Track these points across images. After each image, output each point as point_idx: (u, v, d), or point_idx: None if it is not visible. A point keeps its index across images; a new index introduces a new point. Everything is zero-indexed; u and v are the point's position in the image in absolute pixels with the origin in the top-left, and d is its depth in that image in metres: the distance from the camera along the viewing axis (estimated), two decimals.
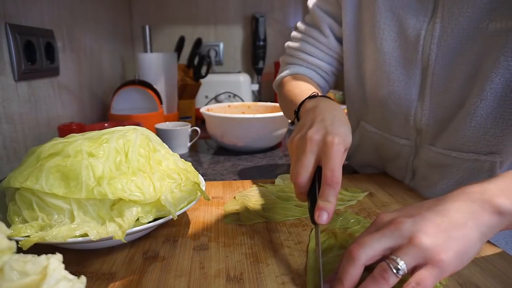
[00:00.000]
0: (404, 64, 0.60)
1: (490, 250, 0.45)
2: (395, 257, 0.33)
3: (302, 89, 0.65)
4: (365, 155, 0.78)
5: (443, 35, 0.55)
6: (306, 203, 0.59)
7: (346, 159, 0.86)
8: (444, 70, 0.56)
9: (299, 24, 0.77)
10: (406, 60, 0.60)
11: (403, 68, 0.60)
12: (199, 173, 0.58)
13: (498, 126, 0.52)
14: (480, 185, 0.37)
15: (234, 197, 0.62)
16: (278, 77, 0.78)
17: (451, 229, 0.34)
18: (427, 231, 0.34)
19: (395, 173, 0.72)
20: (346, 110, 0.87)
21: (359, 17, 0.66)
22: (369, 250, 0.34)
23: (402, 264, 0.33)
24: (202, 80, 1.39)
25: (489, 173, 0.55)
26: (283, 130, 1.01)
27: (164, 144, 0.54)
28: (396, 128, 0.66)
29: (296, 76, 0.73)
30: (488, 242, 0.48)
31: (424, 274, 0.32)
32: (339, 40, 0.73)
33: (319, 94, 0.58)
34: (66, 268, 0.28)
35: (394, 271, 0.33)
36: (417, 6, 0.57)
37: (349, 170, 0.85)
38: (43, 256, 0.27)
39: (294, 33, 0.78)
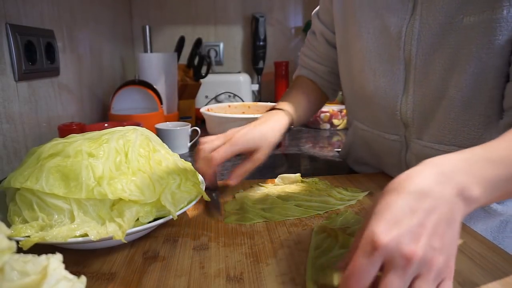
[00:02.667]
0: (388, 60, 0.62)
1: (489, 250, 0.46)
2: None
3: (282, 99, 0.79)
4: (359, 152, 0.80)
5: (422, 30, 0.57)
6: (306, 204, 0.60)
7: (342, 158, 0.87)
8: (425, 64, 0.58)
9: (309, 32, 0.87)
10: (390, 56, 0.62)
11: (387, 64, 0.63)
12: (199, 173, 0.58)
13: (476, 118, 0.54)
14: (453, 169, 0.37)
15: (234, 197, 0.62)
16: (294, 75, 0.90)
17: (451, 243, 0.34)
18: (438, 252, 0.33)
19: (390, 170, 0.73)
20: (346, 110, 0.87)
21: (346, 18, 0.70)
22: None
23: None
24: (202, 80, 1.39)
25: None
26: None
27: (164, 144, 0.55)
28: (385, 123, 0.67)
29: (299, 78, 0.86)
30: (487, 241, 0.48)
31: None
32: (332, 45, 0.80)
33: (276, 107, 0.74)
34: (66, 268, 0.28)
35: None
36: (398, 5, 0.59)
37: (346, 169, 0.85)
38: (43, 256, 0.27)
39: (307, 38, 0.88)
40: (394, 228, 0.33)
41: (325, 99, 0.86)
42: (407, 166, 0.67)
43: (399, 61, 0.60)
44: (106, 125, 0.90)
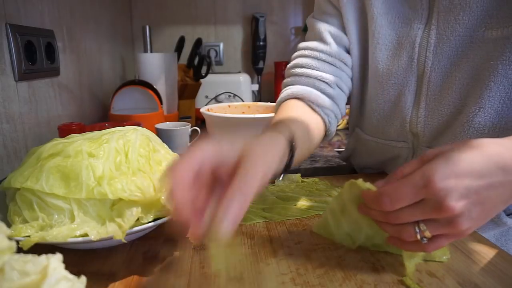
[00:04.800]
0: (398, 73, 0.60)
1: (489, 250, 0.45)
2: (425, 229, 0.36)
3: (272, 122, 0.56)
4: (362, 158, 0.78)
5: (439, 42, 0.55)
6: (306, 204, 0.59)
7: (344, 161, 0.87)
8: (441, 77, 0.56)
9: (299, 44, 0.70)
10: (401, 69, 0.60)
11: (397, 77, 0.61)
12: None
13: (495, 132, 0.52)
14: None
15: None
16: (278, 101, 0.68)
17: (484, 219, 0.36)
18: (468, 220, 0.35)
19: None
20: (348, 116, 0.87)
21: (361, 27, 0.65)
22: (406, 218, 0.36)
23: (428, 235, 0.36)
24: (202, 80, 1.39)
25: None
26: None
27: (164, 144, 0.55)
28: (392, 133, 0.66)
29: (287, 104, 0.63)
30: (487, 241, 0.48)
31: (443, 243, 0.36)
32: (343, 47, 0.66)
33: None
34: (66, 268, 0.28)
35: (419, 237, 0.36)
36: (411, 14, 0.57)
37: (348, 170, 0.85)
38: (43, 256, 0.27)
39: (293, 55, 0.70)
40: (453, 180, 0.34)
41: (323, 131, 0.65)
42: None
43: (412, 73, 0.58)
44: (106, 125, 0.90)
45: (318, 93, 0.63)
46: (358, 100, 0.73)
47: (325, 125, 0.64)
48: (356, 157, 0.80)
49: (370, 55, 0.63)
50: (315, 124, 0.61)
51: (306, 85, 0.64)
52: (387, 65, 0.61)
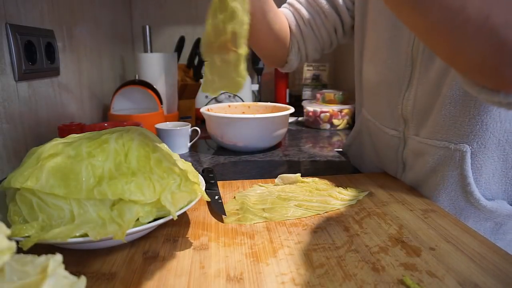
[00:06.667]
0: (396, 55, 0.64)
1: (489, 249, 0.46)
2: None
3: None
4: (362, 144, 0.82)
5: None
6: (306, 204, 0.60)
7: (345, 150, 0.89)
8: (428, 61, 0.59)
9: None
10: (399, 50, 0.63)
11: (395, 58, 0.64)
12: (199, 173, 0.58)
13: (465, 114, 0.55)
14: None
15: (234, 197, 0.62)
16: None
17: None
18: None
19: (388, 167, 0.74)
20: (355, 98, 0.89)
21: (365, 3, 0.71)
22: None
23: None
24: (202, 80, 1.39)
25: (460, 164, 0.57)
26: (283, 130, 1.02)
27: (164, 144, 0.55)
28: (386, 117, 0.69)
29: None
30: (487, 241, 0.48)
31: None
32: (333, 7, 0.75)
33: None
34: (66, 268, 0.28)
35: None
36: None
37: (349, 169, 0.85)
38: (43, 256, 0.27)
39: None
40: None
41: (284, 52, 0.75)
42: (404, 163, 0.68)
43: (407, 56, 0.61)
44: (106, 125, 0.90)
45: (293, 18, 0.74)
46: (358, 77, 0.78)
47: (289, 43, 0.75)
48: (358, 142, 0.83)
49: (376, 32, 0.67)
50: (284, 25, 0.72)
51: (287, 9, 0.76)
52: (388, 45, 0.65)
